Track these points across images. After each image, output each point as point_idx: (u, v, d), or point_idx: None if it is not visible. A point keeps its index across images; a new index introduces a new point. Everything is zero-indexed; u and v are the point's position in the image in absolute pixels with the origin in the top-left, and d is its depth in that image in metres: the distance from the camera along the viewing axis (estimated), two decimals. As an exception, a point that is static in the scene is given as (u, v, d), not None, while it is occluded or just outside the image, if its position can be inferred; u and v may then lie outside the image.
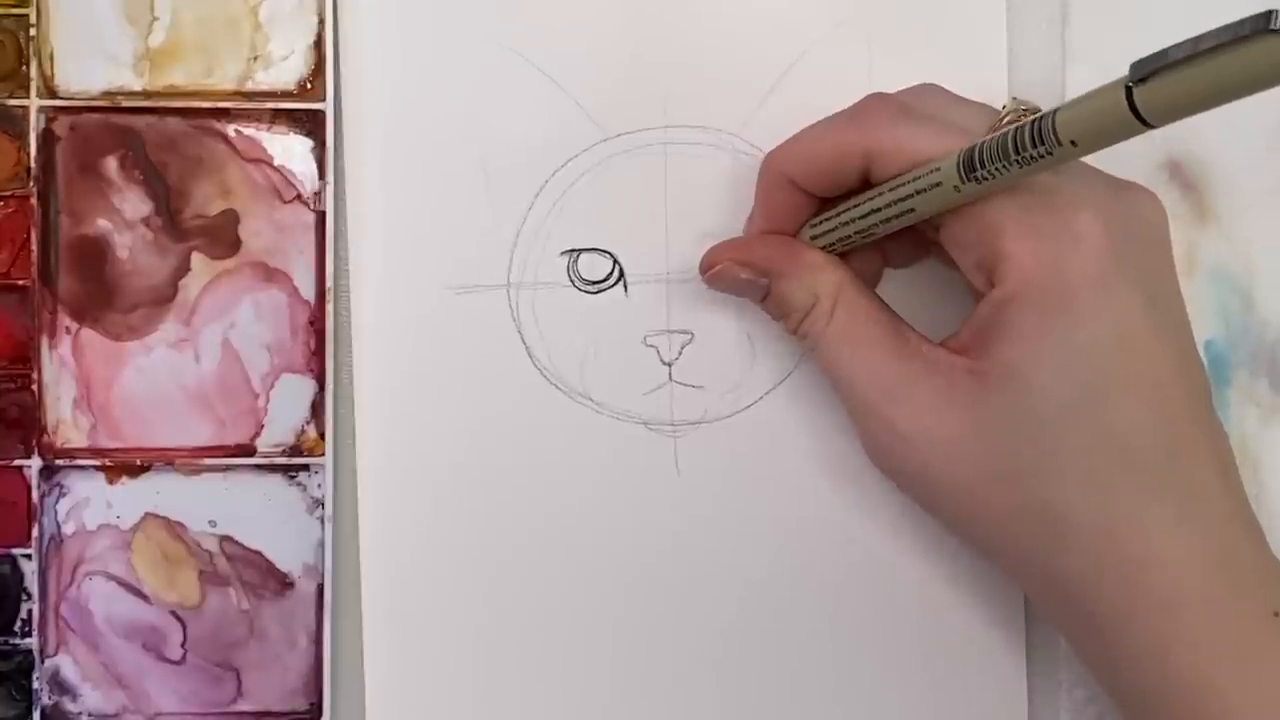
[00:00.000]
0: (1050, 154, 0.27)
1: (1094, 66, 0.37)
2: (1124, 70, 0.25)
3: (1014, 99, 0.30)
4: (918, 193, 0.30)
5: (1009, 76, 0.36)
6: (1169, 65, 0.24)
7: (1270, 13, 0.22)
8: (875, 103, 0.32)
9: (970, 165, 0.28)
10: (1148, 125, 0.25)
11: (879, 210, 0.31)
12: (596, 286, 0.36)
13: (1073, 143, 0.26)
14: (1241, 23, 0.22)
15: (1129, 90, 0.25)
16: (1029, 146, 0.27)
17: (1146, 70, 0.24)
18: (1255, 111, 0.36)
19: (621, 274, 0.36)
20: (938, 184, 0.29)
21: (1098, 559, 0.29)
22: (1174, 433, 0.29)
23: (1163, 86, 0.24)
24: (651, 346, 0.36)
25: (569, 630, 0.36)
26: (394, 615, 0.36)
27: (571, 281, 0.36)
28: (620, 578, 0.36)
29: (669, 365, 0.36)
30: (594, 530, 0.36)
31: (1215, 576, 0.29)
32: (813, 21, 0.36)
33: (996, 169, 0.28)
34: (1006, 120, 0.29)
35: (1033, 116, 0.27)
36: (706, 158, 0.36)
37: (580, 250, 0.36)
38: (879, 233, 0.32)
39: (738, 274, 0.33)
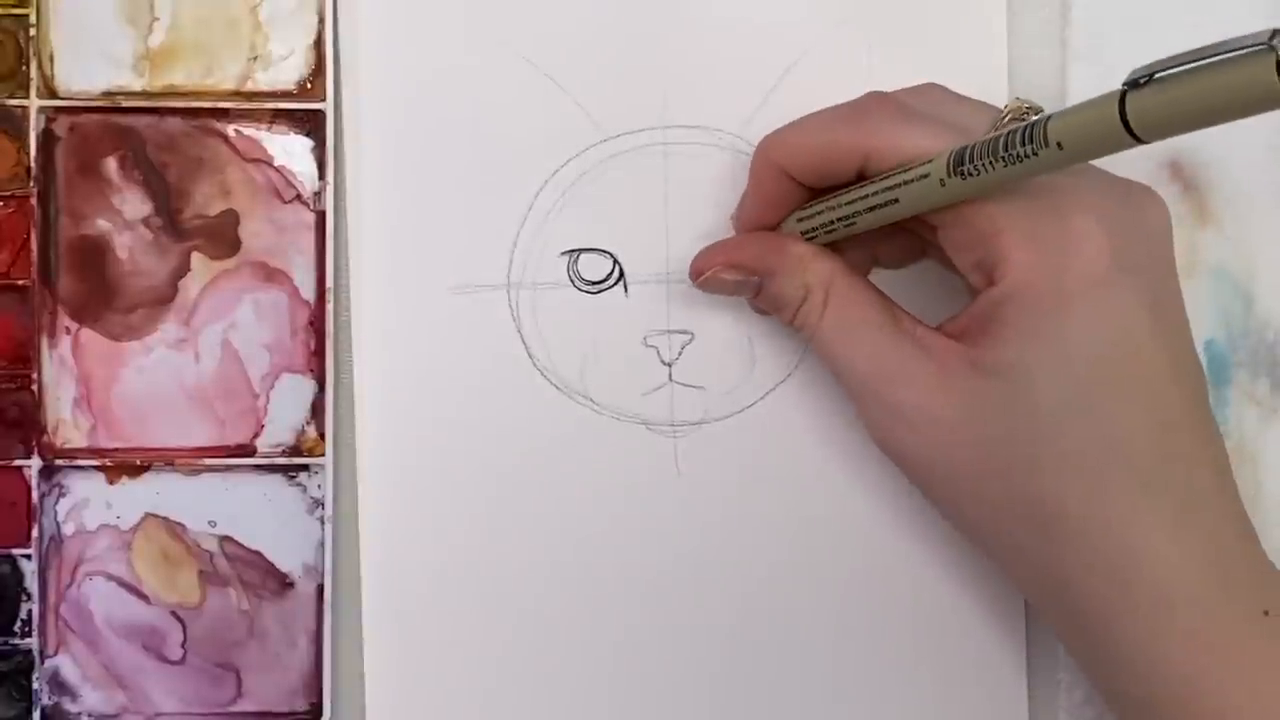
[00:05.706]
0: (1035, 154, 0.26)
1: (1094, 66, 0.37)
2: (1125, 72, 0.24)
3: (1017, 99, 0.30)
4: (904, 184, 0.30)
5: (1009, 76, 0.36)
6: (1165, 74, 0.23)
7: (1275, 31, 0.21)
8: (874, 101, 0.32)
9: (959, 160, 0.28)
10: (1136, 138, 0.24)
11: (864, 198, 0.31)
12: (596, 286, 0.36)
13: (1059, 145, 0.26)
14: (1243, 38, 0.22)
15: (1122, 97, 0.24)
16: (1018, 145, 0.27)
17: (1141, 75, 0.24)
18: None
19: (621, 274, 0.36)
20: (924, 176, 0.29)
21: (1089, 555, 0.29)
22: (1170, 435, 0.29)
23: (1155, 95, 0.23)
24: (651, 347, 0.36)
25: (569, 630, 0.36)
26: (394, 615, 0.36)
27: (571, 281, 0.36)
28: (620, 578, 0.36)
29: (669, 365, 0.36)
30: (594, 531, 0.36)
31: (1208, 576, 0.29)
32: (813, 21, 0.36)
33: (983, 165, 0.28)
34: (1007, 120, 0.29)
35: (1035, 117, 0.27)
36: (706, 158, 0.36)
37: (580, 250, 0.36)
38: (860, 225, 0.31)
39: (726, 277, 0.34)
